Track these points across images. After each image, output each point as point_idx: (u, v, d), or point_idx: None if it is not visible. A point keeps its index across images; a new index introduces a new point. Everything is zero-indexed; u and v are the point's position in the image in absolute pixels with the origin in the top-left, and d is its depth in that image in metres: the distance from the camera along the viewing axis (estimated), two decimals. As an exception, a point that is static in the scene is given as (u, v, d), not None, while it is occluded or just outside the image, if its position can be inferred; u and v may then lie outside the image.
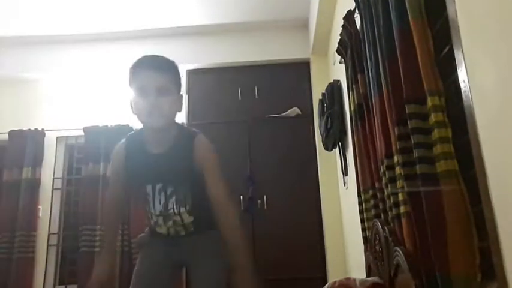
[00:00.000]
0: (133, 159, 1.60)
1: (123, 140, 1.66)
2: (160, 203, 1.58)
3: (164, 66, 1.55)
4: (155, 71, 1.51)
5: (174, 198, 1.58)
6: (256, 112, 4.11)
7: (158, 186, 1.58)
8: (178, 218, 1.59)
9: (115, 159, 1.66)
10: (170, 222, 1.60)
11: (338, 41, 2.67)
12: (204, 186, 1.54)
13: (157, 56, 1.56)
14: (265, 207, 3.83)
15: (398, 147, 1.50)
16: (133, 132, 1.70)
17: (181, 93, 1.61)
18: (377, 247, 1.81)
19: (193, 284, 1.61)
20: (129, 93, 1.55)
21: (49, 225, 4.04)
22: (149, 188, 1.59)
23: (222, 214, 1.53)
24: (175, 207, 1.58)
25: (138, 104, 1.52)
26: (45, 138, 4.18)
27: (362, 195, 2.21)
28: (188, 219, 1.60)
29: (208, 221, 1.56)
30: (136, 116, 1.55)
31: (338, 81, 3.29)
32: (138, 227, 3.80)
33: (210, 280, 1.55)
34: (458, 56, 1.14)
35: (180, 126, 1.65)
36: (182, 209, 1.58)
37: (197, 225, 1.62)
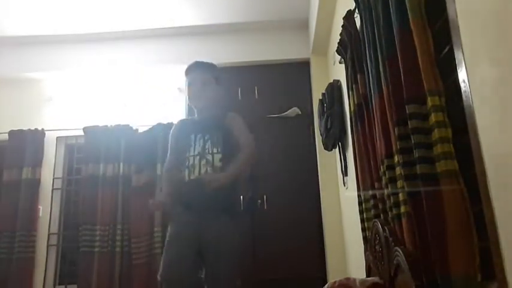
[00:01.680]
0: (185, 125, 2.28)
1: (179, 120, 2.38)
2: (199, 145, 2.10)
3: (205, 67, 2.31)
4: (199, 70, 2.28)
5: (209, 141, 2.10)
6: (256, 112, 4.10)
7: (199, 135, 2.13)
8: (210, 157, 2.06)
9: (173, 131, 2.29)
10: (204, 161, 2.06)
11: (338, 41, 2.67)
12: (233, 145, 2.09)
13: (201, 61, 2.36)
14: (265, 207, 3.83)
15: (398, 147, 1.50)
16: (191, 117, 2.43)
17: (218, 85, 2.28)
18: (377, 247, 1.81)
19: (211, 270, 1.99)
20: (185, 88, 2.31)
21: (49, 225, 4.04)
22: (192, 136, 2.14)
23: (245, 147, 2.08)
24: (210, 147, 2.08)
25: (189, 92, 2.23)
26: (45, 138, 4.18)
27: (362, 195, 2.21)
28: (218, 163, 2.05)
29: (230, 183, 1.99)
30: (189, 101, 2.31)
31: (338, 81, 3.29)
32: (139, 227, 3.80)
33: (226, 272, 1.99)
34: (458, 56, 1.14)
35: (220, 108, 2.24)
36: (215, 150, 2.07)
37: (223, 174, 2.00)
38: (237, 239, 2.04)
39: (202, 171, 2.03)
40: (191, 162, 2.07)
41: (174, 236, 2.03)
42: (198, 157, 2.06)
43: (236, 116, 2.20)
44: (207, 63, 2.35)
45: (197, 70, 2.27)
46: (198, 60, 2.34)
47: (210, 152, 2.06)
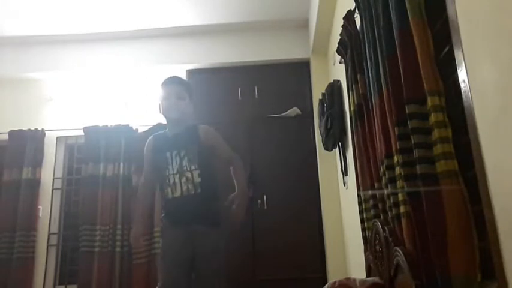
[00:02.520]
0: (158, 142, 2.32)
1: (152, 136, 2.40)
2: (177, 163, 2.19)
3: (181, 82, 2.40)
4: (176, 84, 2.34)
5: (186, 158, 2.20)
6: (256, 112, 4.11)
7: (174, 152, 2.21)
8: (189, 175, 2.17)
9: (147, 148, 2.35)
10: (184, 179, 2.16)
11: (338, 41, 2.67)
12: (209, 157, 2.24)
13: (178, 76, 2.43)
14: (265, 207, 3.83)
15: (398, 147, 1.50)
16: (158, 132, 2.41)
17: (191, 100, 2.35)
18: (377, 247, 1.81)
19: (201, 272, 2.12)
20: (159, 101, 2.34)
21: (49, 225, 4.04)
22: (168, 154, 2.22)
23: (233, 161, 2.30)
24: (187, 164, 2.18)
25: (165, 104, 2.29)
26: (45, 138, 4.18)
27: (362, 195, 2.21)
28: (197, 178, 2.16)
29: (212, 195, 2.19)
30: (163, 113, 2.32)
31: (338, 81, 3.29)
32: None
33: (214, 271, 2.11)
34: (458, 56, 1.14)
35: (191, 121, 2.35)
36: (192, 166, 2.18)
37: (204, 188, 2.16)
38: (222, 246, 2.16)
39: (184, 188, 2.16)
40: (172, 180, 2.19)
41: (167, 250, 2.19)
42: (177, 175, 2.19)
43: (210, 129, 2.34)
44: (183, 79, 2.48)
45: (174, 84, 2.35)
46: (175, 75, 2.44)
47: (189, 169, 2.18)
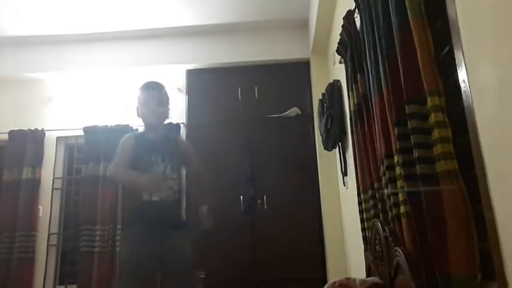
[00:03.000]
0: (140, 141, 2.28)
1: (129, 134, 2.37)
2: (160, 168, 2.21)
3: (162, 88, 2.41)
4: (157, 89, 2.39)
5: (169, 166, 2.24)
6: (256, 112, 4.11)
7: (159, 157, 2.23)
8: (171, 182, 2.22)
9: (127, 141, 2.28)
10: (165, 185, 2.18)
11: (338, 41, 2.67)
12: (183, 169, 2.39)
13: (159, 82, 2.45)
14: (265, 207, 3.83)
15: (398, 147, 1.50)
16: (136, 131, 2.43)
17: (169, 106, 2.40)
18: (377, 247, 1.81)
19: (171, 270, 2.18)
20: (137, 104, 2.35)
21: (49, 225, 4.04)
22: (153, 158, 2.21)
23: (203, 171, 2.41)
24: (170, 171, 2.24)
25: (145, 108, 2.31)
26: (45, 138, 4.18)
27: (362, 195, 2.21)
28: (175, 187, 2.25)
29: (180, 203, 2.40)
30: (142, 117, 2.32)
31: (338, 81, 3.29)
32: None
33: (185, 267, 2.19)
34: (458, 56, 1.14)
35: (167, 126, 2.46)
36: (174, 175, 2.26)
37: (179, 196, 2.29)
38: (191, 245, 2.27)
39: (164, 194, 2.18)
40: None
41: (137, 251, 2.11)
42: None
43: (188, 143, 2.56)
44: (163, 85, 2.46)
45: (155, 90, 2.38)
46: (154, 80, 2.46)
47: (170, 176, 2.24)
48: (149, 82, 2.43)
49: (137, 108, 2.35)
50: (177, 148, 2.37)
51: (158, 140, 2.29)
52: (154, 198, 2.16)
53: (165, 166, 2.22)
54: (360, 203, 2.27)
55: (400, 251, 1.47)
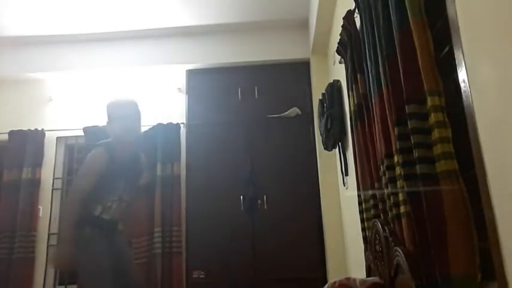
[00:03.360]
0: (111, 162, 2.22)
1: (101, 147, 2.27)
2: (119, 191, 2.29)
3: (137, 106, 2.37)
4: (133, 108, 2.35)
5: (127, 191, 2.33)
6: (256, 112, 4.11)
7: (123, 182, 2.29)
8: (124, 205, 2.33)
9: (99, 159, 2.23)
10: (120, 207, 2.29)
11: (338, 41, 2.67)
12: None
13: (132, 99, 2.42)
14: (265, 207, 3.83)
15: (398, 147, 1.49)
16: (104, 142, 2.32)
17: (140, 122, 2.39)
18: (377, 247, 1.81)
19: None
20: (108, 119, 2.30)
21: (49, 225, 4.04)
22: (118, 182, 2.27)
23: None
24: (126, 196, 2.33)
25: (120, 125, 2.26)
26: (45, 138, 4.18)
27: (362, 195, 2.21)
28: (125, 208, 2.35)
29: None
30: (113, 133, 2.29)
31: (338, 81, 3.29)
32: (139, 227, 3.80)
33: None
34: (458, 56, 1.14)
35: (137, 142, 2.45)
36: (129, 200, 2.36)
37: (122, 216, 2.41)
38: None
39: (116, 214, 2.31)
40: (109, 204, 2.27)
41: (102, 259, 2.18)
42: (116, 202, 2.30)
43: (145, 158, 2.56)
44: (134, 101, 2.44)
45: (132, 107, 2.36)
46: (128, 97, 2.50)
47: (125, 199, 2.34)
48: (125, 99, 2.44)
49: (107, 123, 2.31)
50: (139, 171, 2.44)
51: (126, 163, 2.30)
52: (105, 217, 2.26)
53: (123, 190, 2.30)
54: (360, 203, 2.27)
55: (400, 251, 1.47)
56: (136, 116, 2.35)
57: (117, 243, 2.30)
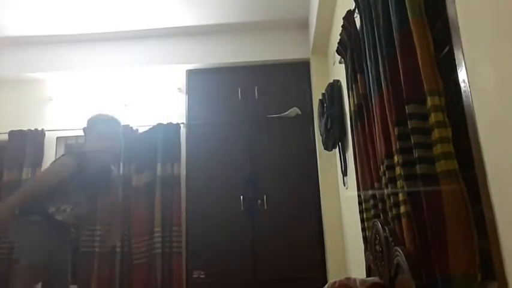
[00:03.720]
0: (79, 176, 2.31)
1: (72, 156, 2.40)
2: (77, 200, 2.39)
3: (118, 124, 2.47)
4: (115, 125, 2.45)
5: (87, 202, 2.47)
6: (256, 112, 4.11)
7: (83, 195, 2.41)
8: (80, 212, 2.44)
9: (68, 166, 2.32)
10: (73, 212, 2.40)
11: (338, 41, 2.67)
12: None
13: (111, 116, 2.51)
14: (265, 207, 3.83)
15: (398, 147, 1.49)
16: (78, 152, 2.49)
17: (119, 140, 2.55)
18: (377, 247, 1.81)
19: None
20: (88, 134, 2.41)
21: (49, 225, 4.03)
22: (80, 195, 2.38)
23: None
24: (85, 205, 2.45)
25: (99, 140, 2.37)
26: (45, 139, 4.18)
27: (362, 195, 2.21)
28: (78, 213, 2.46)
29: None
30: (89, 146, 2.42)
31: (338, 81, 3.29)
32: (139, 227, 3.80)
33: None
34: (458, 56, 1.14)
35: (112, 157, 2.69)
36: (86, 209, 2.49)
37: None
38: None
39: (69, 219, 2.43)
40: (63, 208, 2.39)
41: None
42: (70, 207, 2.42)
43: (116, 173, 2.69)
44: (116, 118, 2.54)
45: (114, 124, 2.45)
46: (107, 114, 2.54)
47: (82, 208, 2.46)
48: (108, 116, 2.50)
49: (86, 134, 2.43)
50: (102, 189, 2.55)
51: (94, 175, 2.39)
52: (57, 217, 2.37)
53: (81, 200, 2.43)
54: (360, 203, 2.27)
55: (400, 251, 1.47)
56: (114, 135, 2.44)
57: (62, 241, 2.40)
